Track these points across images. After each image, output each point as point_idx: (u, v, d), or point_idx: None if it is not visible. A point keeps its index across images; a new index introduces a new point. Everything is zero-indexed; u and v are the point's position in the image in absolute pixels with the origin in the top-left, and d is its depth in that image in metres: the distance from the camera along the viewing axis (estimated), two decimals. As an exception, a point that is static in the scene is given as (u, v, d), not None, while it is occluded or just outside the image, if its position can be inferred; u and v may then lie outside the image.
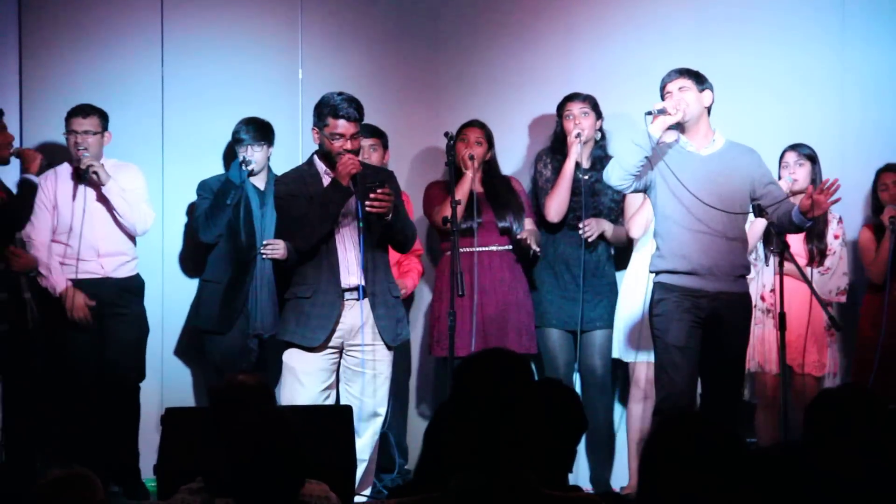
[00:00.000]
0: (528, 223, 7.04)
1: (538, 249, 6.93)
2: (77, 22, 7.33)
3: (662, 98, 6.15)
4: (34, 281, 6.72)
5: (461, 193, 6.81)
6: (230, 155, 7.17)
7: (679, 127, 6.17)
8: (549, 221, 7.04)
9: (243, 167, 6.87)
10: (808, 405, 3.82)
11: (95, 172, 6.73)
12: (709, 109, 6.22)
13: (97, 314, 6.78)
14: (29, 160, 6.68)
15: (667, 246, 6.13)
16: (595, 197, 7.08)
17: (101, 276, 6.82)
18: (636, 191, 6.24)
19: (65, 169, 6.89)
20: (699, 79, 6.18)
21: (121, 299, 6.86)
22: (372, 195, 5.95)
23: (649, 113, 6.05)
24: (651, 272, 6.26)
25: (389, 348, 6.20)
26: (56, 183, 6.83)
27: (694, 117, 6.14)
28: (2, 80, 7.24)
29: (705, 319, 6.09)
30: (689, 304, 6.07)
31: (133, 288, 6.95)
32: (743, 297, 6.19)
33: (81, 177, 6.78)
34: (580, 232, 6.98)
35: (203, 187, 7.00)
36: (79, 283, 6.76)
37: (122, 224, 6.86)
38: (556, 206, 7.00)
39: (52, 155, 7.03)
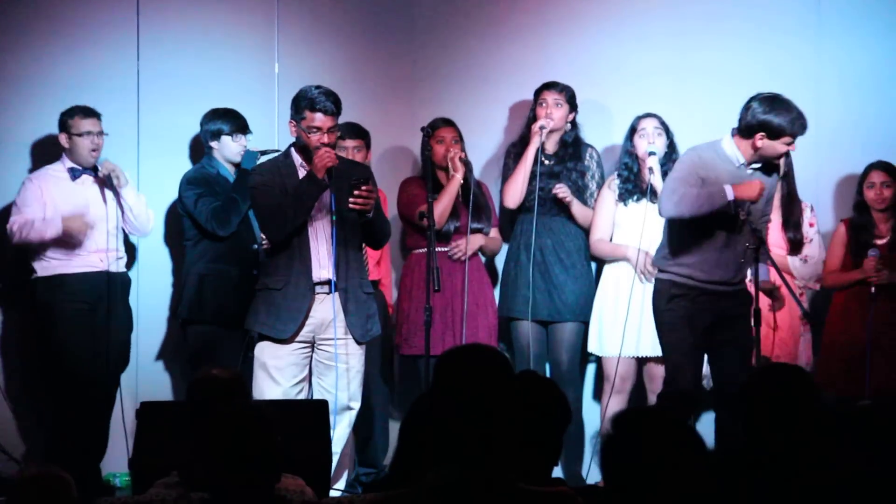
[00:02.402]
0: (493, 231, 7.11)
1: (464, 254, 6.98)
2: (51, 15, 7.29)
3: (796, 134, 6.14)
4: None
5: (450, 197, 6.84)
6: (197, 148, 7.15)
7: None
8: (506, 207, 7.08)
9: (259, 158, 6.82)
10: (742, 385, 3.89)
11: (118, 177, 6.77)
12: None
13: (92, 308, 6.78)
14: None
15: (690, 255, 6.20)
16: (554, 179, 7.08)
17: (100, 269, 6.82)
18: None
19: (55, 168, 6.89)
20: None
21: (115, 294, 6.86)
22: (356, 192, 5.94)
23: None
24: (660, 269, 6.33)
25: (359, 343, 6.19)
26: (49, 182, 6.83)
27: None
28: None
29: (719, 314, 6.19)
30: (705, 303, 6.17)
31: (126, 283, 6.97)
32: (744, 291, 6.25)
33: (104, 181, 6.81)
34: (554, 192, 6.99)
35: (195, 182, 6.89)
36: (80, 277, 6.77)
37: (133, 224, 6.89)
38: (511, 193, 7.06)
39: (22, 151, 7.08)
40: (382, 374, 7.23)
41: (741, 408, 3.86)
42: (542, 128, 6.99)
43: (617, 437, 2.96)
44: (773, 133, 6.06)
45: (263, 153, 6.82)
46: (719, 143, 6.21)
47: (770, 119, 6.04)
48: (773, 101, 6.07)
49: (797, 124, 6.08)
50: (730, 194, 6.04)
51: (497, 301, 7.16)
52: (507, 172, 7.16)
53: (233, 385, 4.28)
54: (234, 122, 6.97)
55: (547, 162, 7.08)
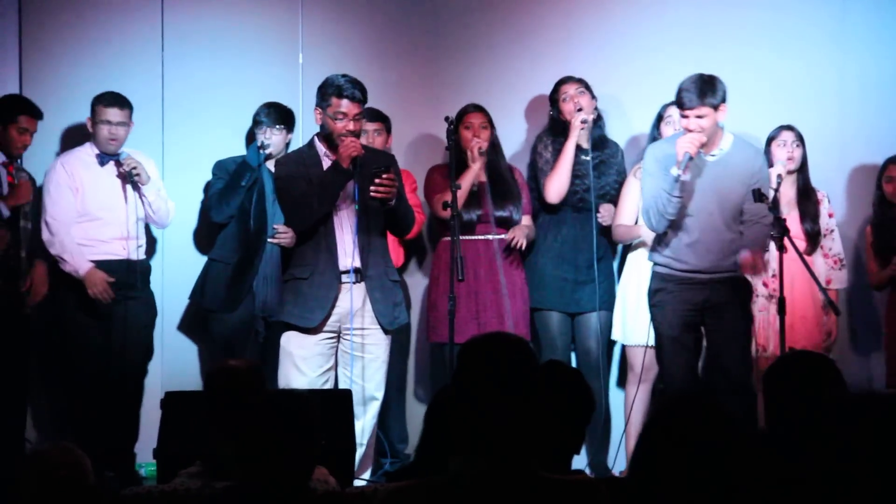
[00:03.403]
0: (525, 219, 7.05)
1: (524, 244, 6.94)
2: (77, 7, 7.33)
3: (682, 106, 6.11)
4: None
5: (465, 186, 6.81)
6: (251, 138, 7.20)
7: None
8: (549, 203, 7.03)
9: (261, 150, 6.88)
10: (765, 373, 3.87)
11: (138, 174, 6.79)
12: None
13: (115, 296, 6.81)
14: None
15: (667, 244, 6.21)
16: (599, 178, 7.07)
17: (122, 257, 6.85)
18: None
19: (85, 151, 6.92)
20: (716, 93, 6.09)
21: (137, 282, 6.90)
22: (377, 181, 5.94)
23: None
24: (649, 260, 6.34)
25: (386, 332, 6.20)
26: (78, 165, 6.85)
27: (709, 136, 6.14)
28: (2, 67, 7.23)
29: (703, 305, 6.18)
30: (686, 294, 6.16)
31: (146, 270, 7.02)
32: (736, 278, 6.23)
33: (125, 178, 6.82)
34: (598, 218, 6.99)
35: (219, 167, 7.04)
36: (101, 265, 6.78)
37: (153, 218, 6.94)
38: (556, 187, 6.99)
39: (51, 139, 7.12)
40: (398, 361, 7.22)
41: (764, 395, 3.85)
42: (584, 121, 6.95)
43: (658, 424, 2.94)
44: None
45: (261, 146, 6.90)
46: None
47: (677, 95, 6.12)
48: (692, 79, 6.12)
49: (680, 96, 6.07)
50: (673, 172, 6.03)
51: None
52: (539, 161, 7.10)
53: (251, 376, 4.28)
54: (270, 114, 7.03)
55: (586, 158, 7.05)
